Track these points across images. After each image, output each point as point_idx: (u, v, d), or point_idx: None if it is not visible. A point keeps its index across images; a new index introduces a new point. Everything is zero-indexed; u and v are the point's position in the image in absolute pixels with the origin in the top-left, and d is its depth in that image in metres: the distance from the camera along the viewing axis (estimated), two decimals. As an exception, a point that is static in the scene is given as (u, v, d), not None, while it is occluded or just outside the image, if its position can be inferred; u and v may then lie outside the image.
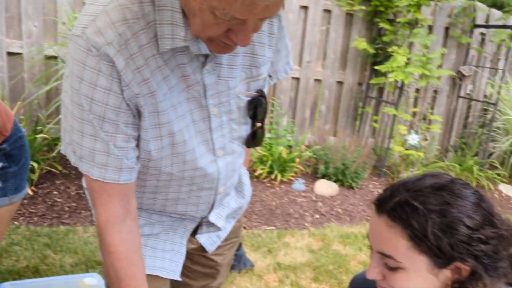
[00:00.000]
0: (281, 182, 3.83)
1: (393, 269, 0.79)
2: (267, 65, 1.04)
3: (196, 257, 1.24)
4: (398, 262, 0.78)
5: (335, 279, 2.57)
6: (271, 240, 2.94)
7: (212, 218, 1.14)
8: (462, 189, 0.78)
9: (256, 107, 1.02)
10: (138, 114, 0.89)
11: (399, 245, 0.77)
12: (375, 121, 4.45)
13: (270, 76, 1.10)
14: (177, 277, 1.14)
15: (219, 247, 1.24)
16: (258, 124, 1.05)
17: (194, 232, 1.18)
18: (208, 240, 1.20)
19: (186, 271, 1.26)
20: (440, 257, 0.75)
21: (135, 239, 0.96)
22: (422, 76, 3.97)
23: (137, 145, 0.93)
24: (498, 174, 4.37)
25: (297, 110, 4.34)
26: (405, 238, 0.76)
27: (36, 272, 2.24)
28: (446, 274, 0.78)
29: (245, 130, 1.05)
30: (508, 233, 0.79)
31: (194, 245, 1.19)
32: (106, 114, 0.85)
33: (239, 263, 2.54)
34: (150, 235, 1.11)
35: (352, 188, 3.91)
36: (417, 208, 0.75)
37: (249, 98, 1.01)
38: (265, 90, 1.05)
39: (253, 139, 1.07)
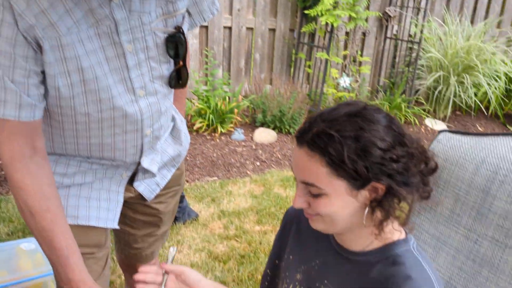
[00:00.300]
0: (221, 133, 3.85)
1: (316, 196, 0.84)
2: (185, 1, 1.02)
3: (136, 206, 1.24)
4: (320, 189, 0.82)
5: (277, 220, 2.68)
6: (214, 190, 2.99)
7: (145, 164, 1.13)
8: (374, 114, 0.82)
9: (177, 46, 1.01)
10: (39, 48, 0.86)
11: (319, 172, 0.81)
12: (309, 67, 4.52)
13: (189, 13, 1.08)
14: (115, 226, 1.14)
15: (160, 195, 1.24)
16: (181, 63, 1.04)
17: (133, 181, 1.18)
18: (147, 188, 1.20)
19: (128, 220, 1.27)
20: (357, 179, 0.81)
21: (46, 173, 0.95)
22: (350, 19, 4.04)
23: (44, 82, 0.90)
24: (424, 110, 4.65)
25: (232, 60, 4.31)
26: (324, 166, 0.80)
27: (-30, 246, 2.15)
28: (364, 194, 0.83)
29: (166, 69, 1.04)
30: (417, 151, 0.86)
31: (132, 193, 1.19)
32: (1, 46, 0.82)
33: (183, 214, 2.57)
34: (82, 184, 1.09)
35: (290, 133, 4.01)
36: (333, 136, 0.79)
37: (166, 35, 0.99)
38: (185, 28, 1.03)
39: (178, 80, 1.07)
